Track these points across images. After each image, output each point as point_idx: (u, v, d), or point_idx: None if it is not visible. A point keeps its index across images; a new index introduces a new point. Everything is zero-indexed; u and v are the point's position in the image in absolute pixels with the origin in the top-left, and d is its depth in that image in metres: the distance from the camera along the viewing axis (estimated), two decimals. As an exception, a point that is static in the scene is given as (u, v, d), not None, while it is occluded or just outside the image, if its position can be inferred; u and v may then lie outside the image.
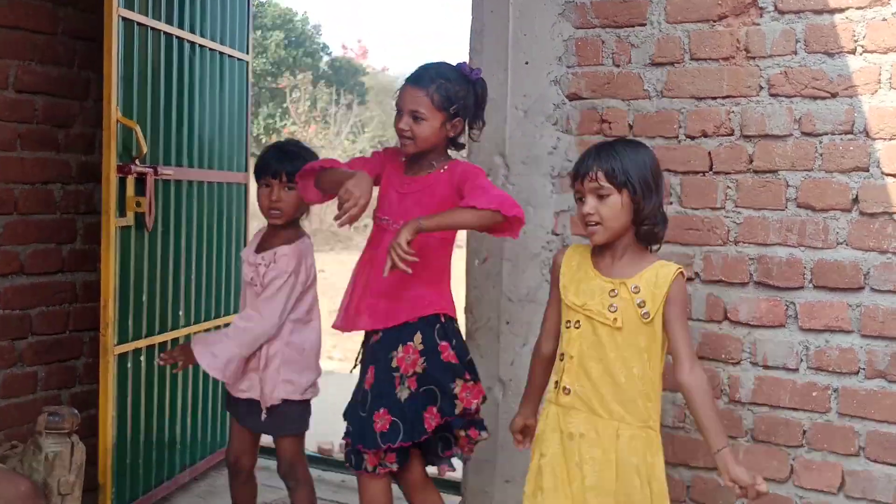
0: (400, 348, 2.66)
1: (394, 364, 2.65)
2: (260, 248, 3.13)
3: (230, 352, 3.01)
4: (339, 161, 2.86)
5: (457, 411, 2.67)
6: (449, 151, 2.80)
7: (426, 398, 2.65)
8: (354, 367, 2.83)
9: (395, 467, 2.70)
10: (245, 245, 4.08)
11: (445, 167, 2.72)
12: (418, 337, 2.67)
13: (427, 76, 2.68)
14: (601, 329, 2.38)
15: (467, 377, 2.70)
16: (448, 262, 2.79)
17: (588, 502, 2.37)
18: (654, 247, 2.48)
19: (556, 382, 2.47)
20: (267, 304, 3.02)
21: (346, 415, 2.77)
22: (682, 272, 2.38)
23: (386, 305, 2.69)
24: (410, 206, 2.69)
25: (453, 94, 2.67)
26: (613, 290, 2.38)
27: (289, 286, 3.03)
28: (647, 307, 2.35)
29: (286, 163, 3.05)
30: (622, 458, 2.36)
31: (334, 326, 2.80)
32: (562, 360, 2.46)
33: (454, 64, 2.75)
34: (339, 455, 4.60)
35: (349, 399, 2.80)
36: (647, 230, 2.39)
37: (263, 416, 3.06)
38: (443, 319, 2.71)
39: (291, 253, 3.06)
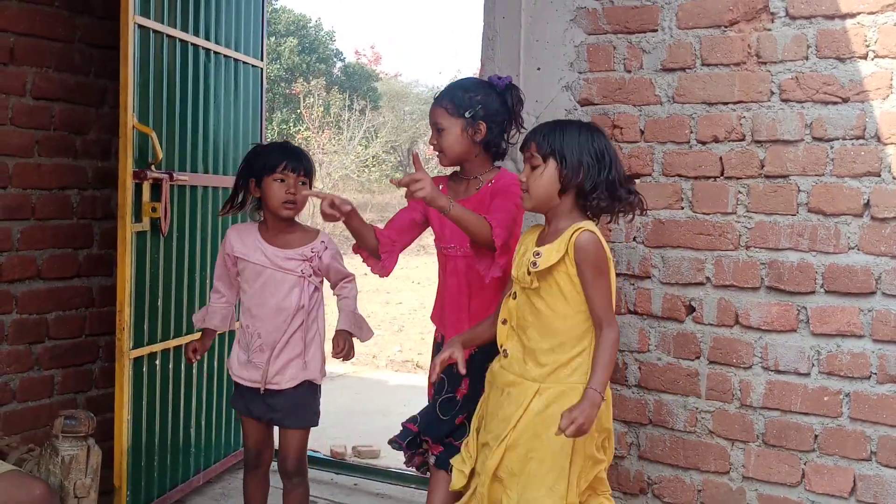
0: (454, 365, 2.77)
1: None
2: (276, 244, 3.15)
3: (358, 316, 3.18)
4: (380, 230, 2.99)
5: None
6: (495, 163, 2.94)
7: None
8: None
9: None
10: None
11: (492, 180, 2.83)
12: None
13: (444, 92, 2.88)
14: (523, 294, 2.54)
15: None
16: None
17: (496, 452, 2.52)
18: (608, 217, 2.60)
19: (501, 346, 2.62)
20: (339, 268, 3.17)
21: (428, 419, 2.91)
22: (587, 230, 2.45)
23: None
24: None
25: (466, 100, 2.80)
26: (537, 253, 2.49)
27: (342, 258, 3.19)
28: (539, 262, 2.46)
29: (300, 160, 3.14)
30: (532, 412, 2.48)
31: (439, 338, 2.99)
32: (504, 324, 2.62)
33: (482, 77, 2.89)
34: (351, 458, 4.63)
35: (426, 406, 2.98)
36: (589, 204, 2.50)
37: (311, 395, 3.16)
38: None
39: (331, 239, 3.21)
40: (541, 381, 2.50)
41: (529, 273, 2.48)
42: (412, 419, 2.95)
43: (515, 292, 2.58)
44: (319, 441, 4.79)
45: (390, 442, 3.00)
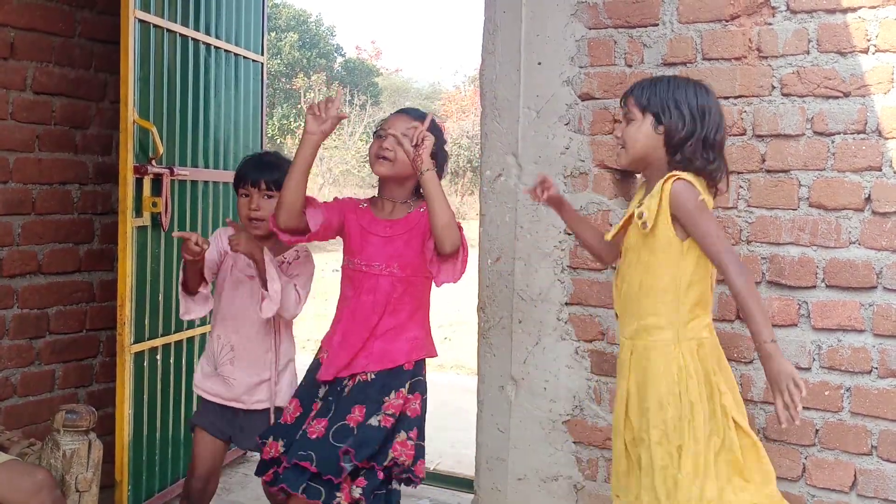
0: (393, 394, 2.73)
1: (385, 408, 2.70)
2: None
3: (280, 292, 2.92)
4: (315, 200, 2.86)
5: (385, 462, 2.68)
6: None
7: (392, 434, 2.70)
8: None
9: (358, 493, 2.65)
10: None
11: (423, 208, 2.77)
12: (408, 386, 2.76)
13: (419, 113, 2.85)
14: (628, 250, 2.45)
15: (411, 436, 2.73)
16: (429, 298, 2.90)
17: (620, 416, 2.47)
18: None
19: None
20: (304, 289, 3.02)
21: (304, 447, 2.67)
22: (678, 178, 2.34)
23: (382, 347, 2.77)
24: (401, 247, 2.78)
25: (438, 137, 2.78)
26: (640, 213, 2.39)
27: (311, 282, 3.07)
28: (646, 218, 2.37)
29: (265, 172, 3.02)
30: (638, 370, 2.41)
31: (322, 379, 2.79)
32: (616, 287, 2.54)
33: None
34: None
35: (293, 434, 2.75)
36: (682, 160, 2.37)
37: (272, 419, 3.01)
38: (424, 370, 2.83)
39: (310, 254, 3.12)
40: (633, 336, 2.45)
41: (645, 227, 2.36)
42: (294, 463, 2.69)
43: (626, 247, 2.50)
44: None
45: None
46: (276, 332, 3.04)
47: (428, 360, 2.88)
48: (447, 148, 2.96)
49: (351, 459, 2.62)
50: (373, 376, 2.74)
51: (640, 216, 2.38)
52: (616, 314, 2.58)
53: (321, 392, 2.81)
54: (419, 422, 2.78)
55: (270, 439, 2.79)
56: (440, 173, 2.77)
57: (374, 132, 2.88)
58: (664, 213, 2.35)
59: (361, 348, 2.76)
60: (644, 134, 2.41)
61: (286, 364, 3.10)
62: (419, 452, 2.77)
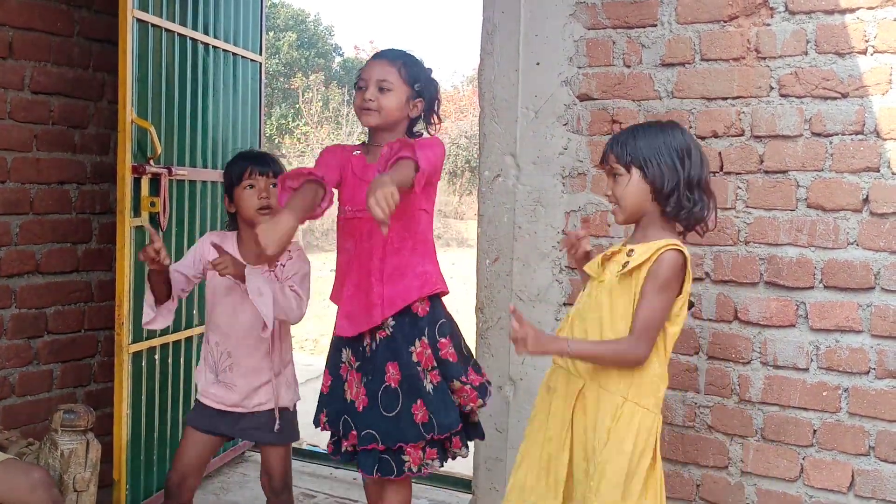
0: (417, 343, 2.65)
1: (414, 359, 2.64)
2: (248, 258, 2.99)
3: (272, 302, 2.87)
4: (306, 169, 2.72)
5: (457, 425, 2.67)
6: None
7: (446, 391, 2.66)
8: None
9: (438, 464, 2.67)
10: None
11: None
12: (427, 332, 2.67)
13: (394, 53, 2.74)
14: (593, 287, 2.44)
15: (463, 378, 2.70)
16: (432, 233, 2.81)
17: (549, 453, 2.44)
18: (692, 229, 2.45)
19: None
20: (302, 287, 2.98)
21: (352, 419, 2.70)
22: (677, 249, 2.33)
23: (391, 289, 2.66)
24: None
25: (418, 74, 2.71)
26: (631, 251, 2.38)
27: (309, 280, 3.04)
28: (631, 264, 2.35)
29: (263, 162, 3.03)
30: (578, 417, 2.39)
31: (345, 334, 2.72)
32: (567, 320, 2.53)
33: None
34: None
35: (338, 404, 2.75)
36: (672, 210, 2.37)
37: (277, 425, 3.01)
38: (442, 308, 2.73)
39: (303, 252, 3.09)
40: (589, 378, 2.41)
41: (624, 268, 2.35)
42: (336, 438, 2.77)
43: (586, 284, 2.50)
44: (320, 437, 4.79)
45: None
46: (272, 335, 3.00)
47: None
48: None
49: (430, 431, 2.61)
50: (391, 329, 2.66)
51: (625, 266, 2.36)
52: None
53: (343, 355, 2.76)
54: (464, 363, 2.71)
55: (322, 415, 2.80)
56: (430, 111, 2.73)
57: (355, 84, 2.75)
58: (641, 259, 2.35)
59: (373, 296, 2.66)
60: (634, 189, 2.38)
61: (286, 365, 3.10)
62: (481, 391, 2.73)
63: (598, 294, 2.42)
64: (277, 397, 3.03)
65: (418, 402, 2.62)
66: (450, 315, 2.77)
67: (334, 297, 2.81)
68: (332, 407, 2.77)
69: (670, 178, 2.35)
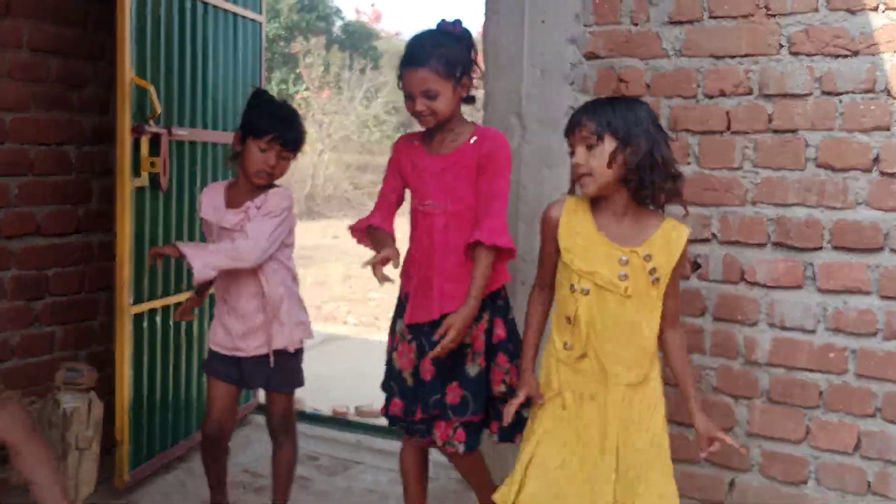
0: (473, 326, 2.63)
1: (468, 340, 2.63)
2: (233, 205, 3.04)
3: (217, 259, 2.93)
4: (365, 221, 2.81)
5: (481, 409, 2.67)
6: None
7: (488, 374, 2.67)
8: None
9: (462, 448, 2.64)
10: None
11: (473, 139, 2.67)
12: (486, 315, 2.66)
13: (423, 52, 2.64)
14: (610, 297, 2.36)
15: (498, 361, 2.68)
16: None
17: (596, 460, 2.38)
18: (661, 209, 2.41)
19: (566, 343, 2.43)
20: (255, 227, 2.95)
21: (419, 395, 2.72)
22: (685, 227, 2.37)
23: (453, 288, 2.65)
24: (450, 181, 2.66)
25: (453, 58, 2.64)
26: (623, 258, 2.34)
27: (280, 219, 2.99)
28: (658, 273, 2.33)
29: (289, 131, 3.01)
30: (626, 419, 2.37)
31: (408, 322, 2.74)
32: (569, 323, 2.41)
33: (436, 28, 2.70)
34: (354, 417, 4.64)
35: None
36: (637, 184, 2.32)
37: (271, 362, 3.04)
38: (503, 294, 2.72)
39: (284, 193, 3.05)
40: (626, 383, 2.40)
41: (623, 278, 2.34)
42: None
43: (588, 289, 2.39)
44: (322, 401, 4.80)
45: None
46: (259, 278, 3.00)
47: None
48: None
49: (460, 413, 2.63)
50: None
51: (653, 272, 2.34)
52: None
53: (400, 327, 2.78)
54: (504, 344, 2.69)
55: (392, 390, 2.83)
56: (468, 81, 2.69)
57: (399, 86, 2.72)
58: (671, 265, 2.36)
59: (435, 292, 2.67)
60: (609, 160, 2.31)
61: (278, 307, 3.04)
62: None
63: (623, 307, 2.36)
64: (270, 338, 3.03)
65: (454, 383, 2.65)
66: (506, 303, 2.76)
67: (404, 278, 2.80)
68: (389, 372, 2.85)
69: (648, 148, 2.30)
